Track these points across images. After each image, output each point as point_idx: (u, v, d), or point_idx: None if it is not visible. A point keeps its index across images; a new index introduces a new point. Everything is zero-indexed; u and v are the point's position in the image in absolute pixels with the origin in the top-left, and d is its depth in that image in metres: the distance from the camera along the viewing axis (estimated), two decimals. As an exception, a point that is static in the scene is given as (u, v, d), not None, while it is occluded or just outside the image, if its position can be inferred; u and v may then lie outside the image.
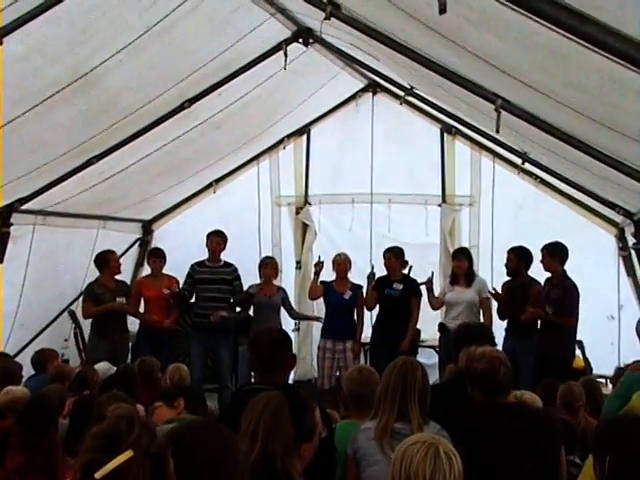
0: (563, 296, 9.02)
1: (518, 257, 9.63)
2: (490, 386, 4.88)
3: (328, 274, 10.98)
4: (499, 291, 9.84)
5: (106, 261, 10.33)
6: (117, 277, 10.61)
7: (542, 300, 9.27)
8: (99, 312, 10.09)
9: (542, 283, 9.44)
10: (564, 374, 7.76)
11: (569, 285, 9.08)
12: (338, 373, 10.49)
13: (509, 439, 4.62)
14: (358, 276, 11.12)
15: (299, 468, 3.70)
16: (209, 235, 10.73)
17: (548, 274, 9.35)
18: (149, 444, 2.49)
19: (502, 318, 9.76)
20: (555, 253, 9.20)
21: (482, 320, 9.78)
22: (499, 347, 8.98)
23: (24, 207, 9.23)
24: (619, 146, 5.36)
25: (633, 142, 5.02)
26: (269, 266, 10.76)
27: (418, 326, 10.45)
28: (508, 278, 9.88)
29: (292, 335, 11.29)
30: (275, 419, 3.67)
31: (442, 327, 10.24)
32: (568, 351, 9.08)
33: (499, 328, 9.43)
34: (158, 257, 10.85)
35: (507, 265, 9.74)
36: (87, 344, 10.36)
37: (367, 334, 10.81)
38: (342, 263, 10.64)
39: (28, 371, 8.17)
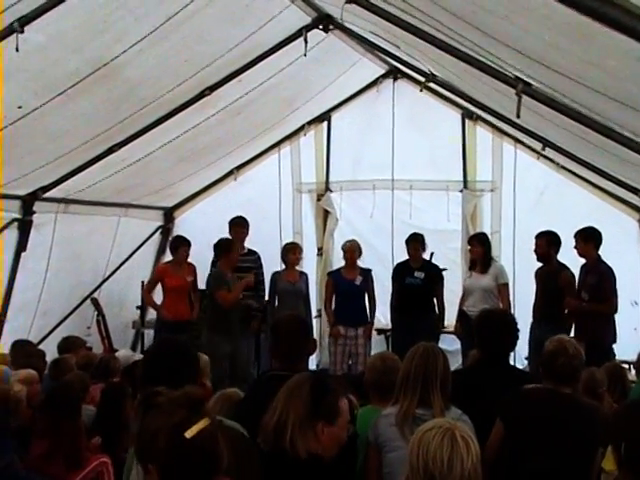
0: (599, 281, 8.96)
1: (547, 242, 9.58)
2: (546, 370, 5.01)
3: (337, 261, 11.06)
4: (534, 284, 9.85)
5: (228, 249, 10.21)
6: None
7: (574, 286, 9.28)
8: (237, 296, 10.07)
9: (574, 269, 9.41)
10: (603, 360, 7.63)
11: (604, 269, 9.01)
12: (350, 361, 10.53)
13: (549, 427, 4.71)
14: (379, 262, 11.20)
15: (313, 446, 3.76)
16: (232, 225, 10.74)
17: (581, 260, 9.32)
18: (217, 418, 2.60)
19: (535, 317, 9.70)
20: (590, 238, 9.11)
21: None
22: (525, 335, 9.05)
23: (46, 195, 9.28)
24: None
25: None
26: (292, 252, 10.73)
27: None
28: (532, 265, 9.87)
29: (314, 322, 11.36)
30: (291, 393, 3.83)
31: (462, 313, 10.24)
32: (605, 336, 8.94)
33: (520, 315, 9.42)
34: (189, 246, 10.68)
35: (536, 251, 9.69)
36: (205, 344, 9.99)
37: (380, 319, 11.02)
38: (351, 250, 10.62)
39: (52, 357, 8.22)
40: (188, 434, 2.48)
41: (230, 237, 10.59)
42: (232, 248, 10.16)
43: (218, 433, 2.61)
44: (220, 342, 9.79)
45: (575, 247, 9.24)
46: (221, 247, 10.22)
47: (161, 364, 4.25)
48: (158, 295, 10.77)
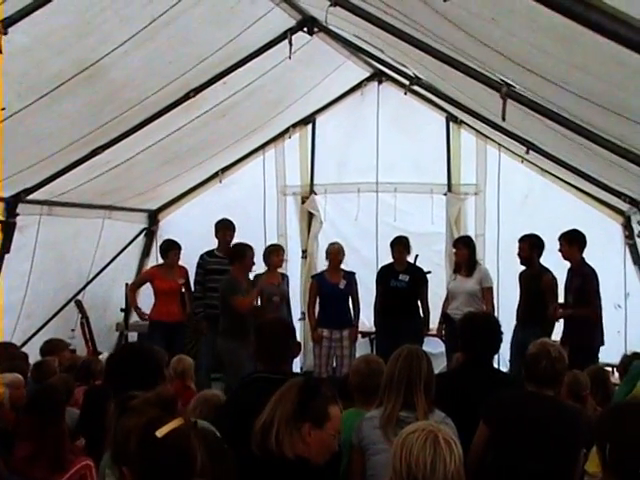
0: (582, 283, 8.99)
1: (530, 246, 9.60)
2: (529, 373, 5.05)
3: (321, 263, 11.04)
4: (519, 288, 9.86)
5: (242, 255, 9.87)
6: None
7: (556, 289, 9.32)
8: (253, 301, 9.83)
9: (559, 272, 9.43)
10: (589, 363, 7.64)
11: (587, 272, 9.04)
12: (335, 364, 10.51)
13: (532, 429, 4.73)
14: (363, 265, 11.21)
15: (300, 448, 3.77)
16: (219, 227, 10.73)
17: (566, 263, 9.32)
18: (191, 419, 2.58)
19: (519, 320, 9.73)
20: (574, 241, 9.12)
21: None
22: (509, 338, 9.07)
23: (30, 197, 9.23)
24: (626, 131, 5.34)
25: None
26: (275, 254, 10.47)
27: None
28: (515, 268, 9.89)
29: (298, 324, 11.35)
30: (281, 395, 3.88)
31: (446, 317, 10.25)
32: (592, 340, 8.94)
33: (504, 318, 9.45)
34: (179, 249, 10.67)
35: (520, 254, 9.71)
36: (222, 349, 9.83)
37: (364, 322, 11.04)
38: (336, 253, 10.57)
39: (35, 360, 8.19)
40: (159, 433, 2.46)
41: (218, 240, 10.62)
42: (246, 254, 9.85)
43: (192, 433, 2.59)
44: (237, 347, 9.41)
45: (560, 250, 9.25)
46: (235, 253, 9.94)
47: (122, 370, 4.30)
48: (149, 298, 10.77)
